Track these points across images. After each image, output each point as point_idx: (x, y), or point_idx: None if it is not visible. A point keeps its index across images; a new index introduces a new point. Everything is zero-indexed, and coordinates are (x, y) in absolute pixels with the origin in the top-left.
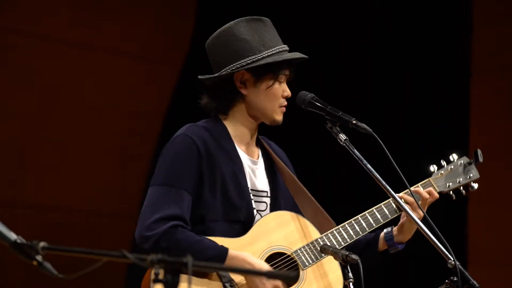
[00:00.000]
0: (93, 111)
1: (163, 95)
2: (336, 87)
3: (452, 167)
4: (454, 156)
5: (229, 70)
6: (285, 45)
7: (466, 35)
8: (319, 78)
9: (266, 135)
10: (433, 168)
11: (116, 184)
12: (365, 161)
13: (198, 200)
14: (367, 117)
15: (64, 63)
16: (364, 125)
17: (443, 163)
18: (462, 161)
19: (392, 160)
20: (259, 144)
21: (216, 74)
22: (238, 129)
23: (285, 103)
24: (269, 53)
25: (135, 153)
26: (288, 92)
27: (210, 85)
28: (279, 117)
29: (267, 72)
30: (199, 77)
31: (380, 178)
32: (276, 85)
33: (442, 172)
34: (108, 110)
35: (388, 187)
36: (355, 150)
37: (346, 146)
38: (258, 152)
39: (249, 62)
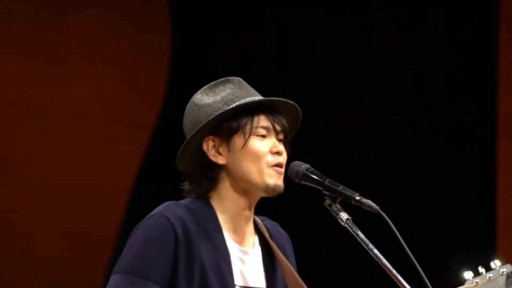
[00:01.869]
0: (48, 185)
1: (129, 166)
2: (340, 154)
3: (492, 275)
4: (496, 263)
5: (188, 141)
6: (260, 96)
7: (491, 97)
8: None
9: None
10: (468, 275)
11: (77, 269)
12: (371, 245)
13: None
14: (374, 190)
15: (17, 129)
16: (370, 202)
17: (481, 270)
18: (505, 270)
19: (405, 246)
20: (256, 230)
21: (178, 154)
22: (227, 210)
23: (278, 161)
24: (231, 107)
25: (98, 234)
26: (278, 148)
27: (187, 170)
28: (271, 181)
29: (234, 127)
30: (180, 187)
31: (390, 267)
32: (255, 140)
33: (478, 280)
34: (65, 186)
35: (401, 278)
36: (359, 232)
37: (349, 228)
38: (253, 240)
39: (203, 126)
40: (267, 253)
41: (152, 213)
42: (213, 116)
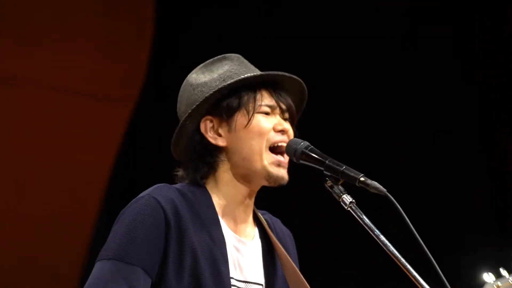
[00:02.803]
0: (21, 164)
1: (109, 144)
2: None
3: None
4: None
5: (183, 122)
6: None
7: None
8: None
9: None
10: (488, 277)
11: (53, 254)
12: (377, 231)
13: (159, 285)
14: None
15: None
16: (376, 183)
17: (504, 272)
18: None
19: (414, 231)
20: (257, 222)
21: (173, 136)
22: (225, 196)
23: (281, 138)
24: (229, 82)
25: (75, 220)
26: (283, 125)
27: (182, 155)
28: (273, 169)
29: (235, 104)
30: (174, 172)
31: (398, 255)
32: (259, 117)
33: (500, 284)
34: (40, 164)
35: (410, 268)
36: (364, 217)
37: (352, 212)
38: (253, 231)
39: (200, 104)
40: (267, 247)
41: (141, 195)
42: (210, 93)
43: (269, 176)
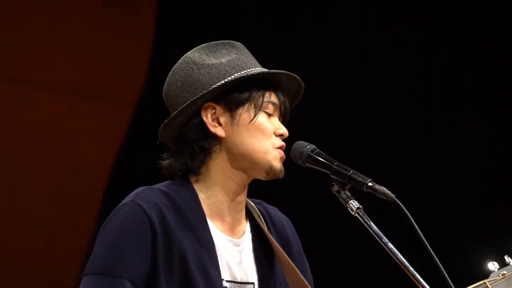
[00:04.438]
0: (15, 165)
1: (109, 145)
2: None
3: None
4: None
5: (189, 103)
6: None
7: None
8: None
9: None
10: (493, 266)
11: (49, 262)
12: (385, 238)
13: None
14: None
15: None
16: (384, 189)
17: (508, 259)
18: None
19: (424, 239)
20: (248, 216)
21: (172, 114)
22: (214, 195)
23: (281, 143)
24: (243, 74)
25: (72, 222)
26: (283, 130)
27: (172, 138)
28: (276, 164)
29: (244, 98)
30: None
31: (407, 263)
32: (263, 117)
33: (505, 272)
34: (35, 166)
35: (419, 277)
36: (372, 224)
37: (360, 218)
38: (244, 227)
39: (216, 88)
40: (259, 243)
41: (123, 202)
42: (226, 79)
43: (271, 169)
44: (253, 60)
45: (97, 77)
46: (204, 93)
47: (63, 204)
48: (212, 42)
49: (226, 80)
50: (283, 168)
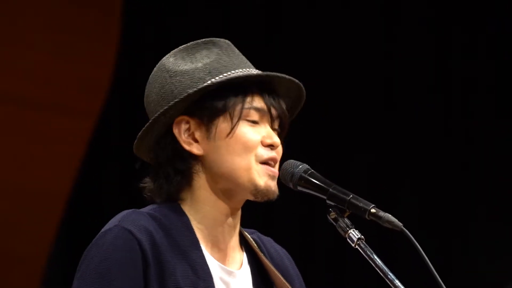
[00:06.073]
0: None
1: (67, 165)
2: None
3: None
4: None
5: (155, 118)
6: (255, 69)
7: None
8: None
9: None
10: None
11: None
12: (391, 275)
13: None
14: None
15: None
16: (389, 216)
17: None
18: None
19: (437, 275)
20: (243, 244)
21: (140, 132)
22: (205, 218)
23: (271, 155)
24: (218, 79)
25: (26, 249)
26: (273, 139)
27: (148, 158)
28: (261, 182)
29: (219, 107)
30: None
31: None
32: (245, 127)
33: None
34: None
35: None
36: (376, 257)
37: (361, 250)
38: (240, 257)
39: (183, 98)
40: (259, 275)
41: (107, 227)
42: (195, 89)
43: (256, 190)
44: (238, 59)
45: (54, 85)
46: (171, 105)
47: (10, 234)
48: (192, 42)
49: (195, 89)
50: (275, 187)
